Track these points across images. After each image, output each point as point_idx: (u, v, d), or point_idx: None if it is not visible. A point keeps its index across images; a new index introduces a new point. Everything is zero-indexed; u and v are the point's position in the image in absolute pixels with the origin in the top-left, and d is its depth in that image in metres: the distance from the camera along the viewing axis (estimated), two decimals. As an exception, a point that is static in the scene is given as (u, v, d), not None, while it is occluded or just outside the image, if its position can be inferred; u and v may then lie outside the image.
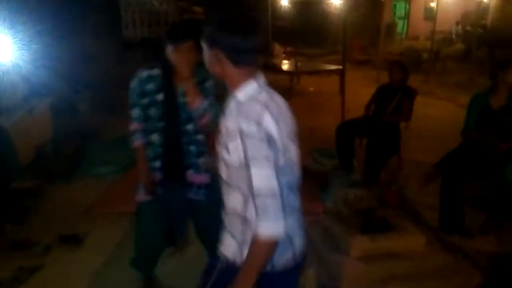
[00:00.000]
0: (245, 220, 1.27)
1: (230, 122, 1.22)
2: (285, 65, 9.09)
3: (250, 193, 1.19)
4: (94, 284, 2.59)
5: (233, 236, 1.33)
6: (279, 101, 1.33)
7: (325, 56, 13.00)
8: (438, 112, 6.86)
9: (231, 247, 1.34)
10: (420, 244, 2.76)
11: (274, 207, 1.17)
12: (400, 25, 17.46)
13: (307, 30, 15.84)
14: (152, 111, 2.10)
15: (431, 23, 10.65)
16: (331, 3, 10.91)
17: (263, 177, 1.16)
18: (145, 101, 2.10)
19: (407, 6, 15.96)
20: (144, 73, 2.09)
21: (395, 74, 4.02)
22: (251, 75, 1.26)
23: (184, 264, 2.73)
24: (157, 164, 2.16)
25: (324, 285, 2.53)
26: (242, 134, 1.16)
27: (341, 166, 4.16)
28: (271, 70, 9.10)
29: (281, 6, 11.60)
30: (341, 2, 8.92)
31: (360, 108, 4.41)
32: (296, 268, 1.37)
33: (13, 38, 3.41)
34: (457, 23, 15.34)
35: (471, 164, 3.08)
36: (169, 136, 2.13)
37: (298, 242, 1.37)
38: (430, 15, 14.89)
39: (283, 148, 1.24)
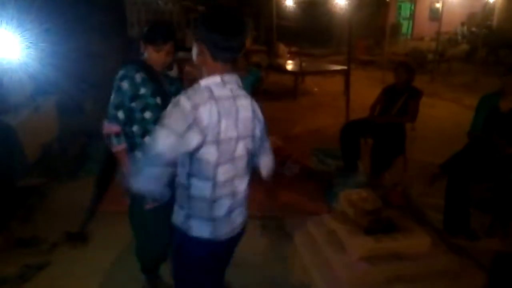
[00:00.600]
0: (189, 194, 1.50)
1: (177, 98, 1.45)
2: (290, 65, 9.10)
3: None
4: (100, 282, 2.60)
5: (181, 208, 1.55)
6: (241, 104, 1.51)
7: (329, 56, 12.99)
8: (443, 113, 6.84)
9: (179, 217, 1.56)
10: (425, 245, 2.75)
11: (145, 165, 1.40)
12: (405, 25, 17.43)
13: (312, 30, 15.83)
14: (148, 114, 2.10)
15: (436, 24, 10.61)
16: (336, 3, 10.89)
17: (158, 138, 1.37)
18: (136, 105, 2.08)
19: (412, 7, 15.93)
20: (138, 77, 2.09)
21: (400, 75, 4.01)
22: (222, 71, 1.48)
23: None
24: None
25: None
26: (173, 104, 1.41)
27: (345, 166, 4.15)
28: (275, 70, 9.11)
29: (286, 6, 11.59)
30: (346, 2, 8.90)
31: (365, 109, 4.40)
32: (226, 242, 1.60)
33: (21, 37, 3.42)
34: (463, 24, 15.31)
35: (477, 166, 3.07)
36: None
37: (227, 220, 1.57)
38: (436, 16, 14.84)
39: (217, 140, 1.42)
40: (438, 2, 14.61)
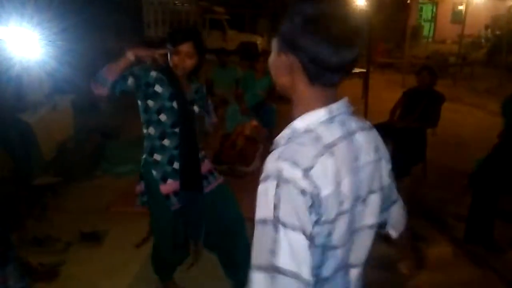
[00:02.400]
0: None
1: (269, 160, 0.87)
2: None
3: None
4: (113, 282, 2.58)
5: None
6: (360, 144, 0.90)
7: (347, 59, 12.84)
8: (466, 119, 6.66)
9: None
10: (446, 255, 2.66)
11: None
12: (426, 28, 17.15)
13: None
14: (164, 117, 2.03)
15: (459, 27, 10.38)
16: (356, 4, 10.75)
17: (292, 246, 0.76)
18: (153, 104, 2.02)
19: (434, 9, 15.65)
20: (153, 73, 2.01)
21: (424, 79, 3.90)
22: (325, 100, 0.89)
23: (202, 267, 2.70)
24: (175, 166, 2.09)
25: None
26: (268, 179, 0.82)
27: (363, 171, 4.05)
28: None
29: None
30: (366, 3, 8.77)
31: (384, 113, 4.30)
32: None
33: (39, 35, 3.45)
34: (487, 27, 14.96)
35: (505, 176, 2.93)
36: (186, 139, 2.08)
37: None
38: (458, 18, 14.55)
39: (338, 213, 0.84)
40: (461, 4, 14.31)
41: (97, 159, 4.33)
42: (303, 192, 0.77)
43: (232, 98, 5.13)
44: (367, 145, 0.92)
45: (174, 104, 2.02)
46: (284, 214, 0.76)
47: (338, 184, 0.82)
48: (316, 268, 0.85)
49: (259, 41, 14.52)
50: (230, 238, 2.23)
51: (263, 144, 4.18)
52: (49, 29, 3.59)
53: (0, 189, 3.23)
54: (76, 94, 4.90)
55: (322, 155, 0.82)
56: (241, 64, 7.65)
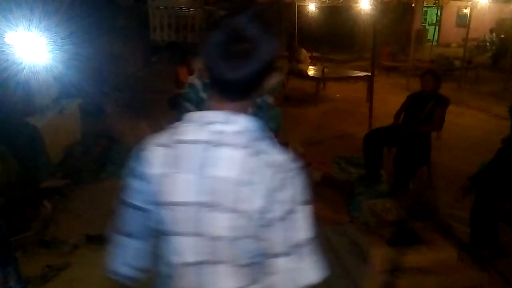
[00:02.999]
0: None
1: None
2: (312, 71, 9.02)
3: None
4: (118, 285, 2.59)
5: None
6: (220, 156, 0.90)
7: (352, 62, 12.85)
8: (470, 122, 6.64)
9: None
10: (451, 259, 2.66)
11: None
12: (431, 31, 17.10)
13: (335, 36, 15.72)
14: None
15: (464, 30, 10.37)
16: (360, 8, 10.77)
17: None
18: (202, 108, 2.09)
19: (439, 12, 15.60)
20: (198, 83, 2.13)
21: (428, 82, 3.91)
22: (215, 106, 0.95)
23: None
24: None
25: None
26: None
27: (368, 175, 4.06)
28: (296, 76, 9.06)
29: (308, 11, 11.54)
30: (370, 7, 8.78)
31: (389, 116, 4.31)
32: None
33: (47, 40, 3.50)
34: (491, 31, 14.91)
35: (507, 179, 2.93)
36: None
37: None
38: (463, 22, 14.53)
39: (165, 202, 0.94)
40: (466, 7, 14.29)
41: (104, 162, 4.37)
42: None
43: None
44: (231, 163, 0.88)
45: None
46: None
47: (160, 175, 0.93)
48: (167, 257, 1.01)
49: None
50: None
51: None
52: (57, 34, 3.64)
53: (7, 193, 3.27)
54: (83, 98, 4.95)
55: (165, 146, 0.94)
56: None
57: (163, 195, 0.93)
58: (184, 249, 0.96)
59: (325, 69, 8.59)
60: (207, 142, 0.90)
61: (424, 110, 3.90)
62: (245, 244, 0.91)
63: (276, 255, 0.88)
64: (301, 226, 0.89)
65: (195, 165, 0.90)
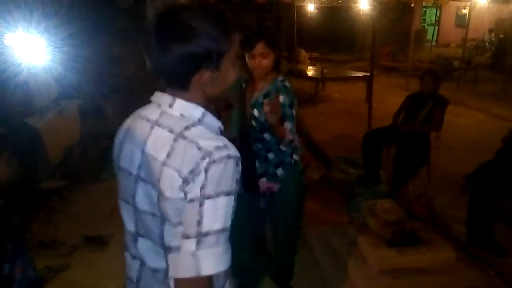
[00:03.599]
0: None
1: None
2: (311, 71, 9.02)
3: None
4: (118, 286, 2.59)
5: None
6: (156, 135, 0.98)
7: (351, 63, 12.86)
8: (469, 122, 6.64)
9: None
10: (450, 259, 2.66)
11: None
12: (430, 31, 17.11)
13: (334, 36, 15.72)
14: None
15: (463, 30, 10.37)
16: (359, 9, 10.77)
17: None
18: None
19: (438, 13, 15.61)
20: None
21: (427, 83, 3.91)
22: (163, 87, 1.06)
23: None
24: None
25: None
26: None
27: (367, 176, 4.06)
28: (296, 76, 9.06)
29: (307, 11, 11.53)
30: (370, 7, 8.78)
31: (388, 117, 4.31)
32: None
33: (46, 41, 3.50)
34: (491, 31, 14.93)
35: (505, 178, 2.94)
36: (243, 145, 2.10)
37: None
38: (462, 22, 14.55)
39: (117, 165, 1.10)
40: (465, 8, 14.30)
41: (103, 163, 4.37)
42: None
43: (236, 102, 5.14)
44: (162, 141, 0.95)
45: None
46: None
47: (120, 142, 1.07)
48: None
49: (263, 45, 14.57)
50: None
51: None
52: (56, 35, 3.64)
53: (6, 194, 3.27)
54: (83, 99, 4.95)
55: (131, 119, 1.09)
56: (246, 68, 7.68)
57: (117, 160, 1.07)
58: (126, 217, 1.06)
59: (324, 70, 8.60)
60: (154, 122, 0.99)
61: (423, 110, 3.91)
62: (161, 222, 0.95)
63: (185, 237, 0.88)
64: (211, 215, 0.88)
65: (141, 140, 0.99)
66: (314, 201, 3.64)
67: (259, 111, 2.08)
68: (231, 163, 0.90)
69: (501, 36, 13.65)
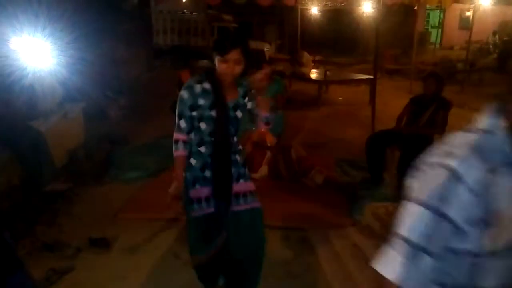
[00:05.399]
0: None
1: None
2: (314, 74, 9.04)
3: None
4: (122, 288, 2.61)
5: None
6: None
7: (355, 65, 12.85)
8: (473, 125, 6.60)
9: None
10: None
11: None
12: (433, 34, 17.08)
13: (337, 39, 15.73)
14: (203, 125, 2.07)
15: (467, 33, 10.34)
16: (362, 11, 10.78)
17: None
18: (195, 114, 2.07)
19: (442, 15, 15.60)
20: (197, 87, 2.05)
21: (430, 85, 3.90)
22: None
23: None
24: (207, 173, 2.13)
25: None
26: None
27: (371, 178, 4.05)
28: (299, 79, 9.07)
29: (310, 14, 11.56)
30: (373, 10, 8.79)
31: (391, 119, 4.30)
32: None
33: (51, 45, 3.53)
34: (494, 33, 14.89)
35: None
36: (218, 148, 2.11)
37: None
38: (466, 24, 14.50)
39: None
40: (468, 10, 14.26)
41: (107, 165, 4.39)
42: None
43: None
44: None
45: (213, 113, 2.06)
46: None
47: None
48: None
49: (267, 48, 14.61)
50: (242, 267, 2.24)
51: (271, 151, 4.20)
52: (61, 39, 3.67)
53: (11, 196, 3.29)
54: (87, 102, 4.97)
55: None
56: (248, 71, 7.69)
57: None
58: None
59: (328, 72, 8.60)
60: None
61: (426, 113, 3.90)
62: None
63: None
64: None
65: None
66: (318, 204, 3.64)
67: (242, 112, 2.15)
68: None
69: (506, 38, 13.61)
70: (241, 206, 2.18)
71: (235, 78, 2.07)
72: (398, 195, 3.55)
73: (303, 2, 9.66)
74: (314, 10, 11.07)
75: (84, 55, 4.66)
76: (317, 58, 12.15)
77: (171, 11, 14.49)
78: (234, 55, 1.97)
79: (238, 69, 2.02)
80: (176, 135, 2.10)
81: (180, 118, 2.08)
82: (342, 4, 9.73)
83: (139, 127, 5.97)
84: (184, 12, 14.91)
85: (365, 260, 2.66)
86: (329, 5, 9.92)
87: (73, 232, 3.17)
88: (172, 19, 14.62)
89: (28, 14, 3.44)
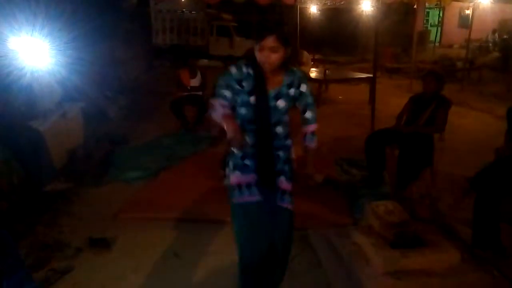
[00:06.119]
0: None
1: None
2: (314, 73, 9.03)
3: None
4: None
5: None
6: None
7: (354, 64, 12.85)
8: (473, 123, 6.62)
9: None
10: (454, 261, 2.65)
11: None
12: (433, 32, 17.08)
13: (337, 38, 15.72)
14: (243, 111, 2.04)
15: (466, 31, 10.34)
16: (362, 10, 10.76)
17: None
18: (238, 98, 2.03)
19: (441, 13, 15.59)
20: (244, 69, 2.02)
21: (429, 84, 3.90)
22: None
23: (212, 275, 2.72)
24: (248, 162, 2.07)
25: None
26: None
27: (370, 177, 4.05)
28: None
29: (310, 13, 11.55)
30: (372, 9, 8.78)
31: (391, 118, 4.30)
32: None
33: (50, 44, 3.52)
34: (494, 31, 14.89)
35: (507, 179, 2.92)
36: (261, 138, 2.07)
37: None
38: (465, 23, 14.50)
39: None
40: (468, 8, 14.25)
41: (107, 165, 4.38)
42: None
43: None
44: None
45: (252, 99, 2.01)
46: None
47: None
48: None
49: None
50: (269, 263, 2.21)
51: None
52: (60, 39, 3.66)
53: (11, 197, 3.28)
54: (86, 102, 4.97)
55: None
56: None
57: None
58: None
59: (327, 71, 8.59)
60: None
61: (426, 111, 3.89)
62: None
63: None
64: None
65: None
66: (317, 203, 3.63)
67: (286, 101, 2.08)
68: None
69: (505, 36, 13.60)
70: (283, 203, 2.16)
71: (276, 66, 2.00)
72: (398, 194, 3.55)
73: (302, 1, 9.63)
74: (313, 9, 11.05)
75: (83, 54, 4.65)
76: (317, 57, 12.16)
77: (170, 10, 14.48)
78: (269, 42, 1.92)
79: (274, 57, 1.95)
80: (212, 102, 1.97)
81: (226, 88, 1.99)
82: (342, 2, 9.71)
83: (139, 127, 5.96)
84: (183, 11, 14.89)
85: (365, 259, 2.66)
86: (328, 4, 9.90)
87: (73, 232, 3.16)
88: (171, 18, 14.61)
89: (26, 14, 3.44)
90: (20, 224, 3.10)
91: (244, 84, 2.01)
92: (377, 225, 2.77)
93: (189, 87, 5.87)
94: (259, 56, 1.97)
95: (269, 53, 1.94)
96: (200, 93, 5.94)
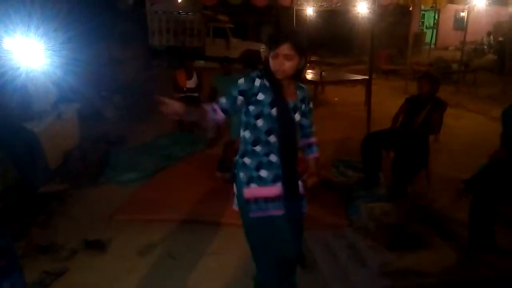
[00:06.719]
0: None
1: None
2: (310, 75, 9.04)
3: None
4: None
5: None
6: None
7: (350, 66, 12.89)
8: (468, 125, 6.64)
9: None
10: (451, 262, 2.66)
11: None
12: (428, 35, 17.16)
13: (333, 39, 15.76)
14: (260, 123, 1.96)
15: (461, 33, 10.38)
16: (357, 12, 10.80)
17: None
18: (252, 109, 1.96)
19: (436, 16, 15.66)
20: (258, 81, 1.95)
21: (424, 86, 3.91)
22: None
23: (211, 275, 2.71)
24: (263, 173, 2.00)
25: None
26: None
27: (366, 179, 4.05)
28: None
29: (306, 15, 11.57)
30: (368, 11, 8.80)
31: (387, 120, 4.31)
32: None
33: (45, 45, 3.51)
34: (489, 34, 15.00)
35: (503, 182, 2.93)
36: (285, 150, 2.03)
37: None
38: (460, 25, 14.59)
39: None
40: (463, 11, 14.34)
41: (102, 167, 4.36)
42: None
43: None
44: None
45: (274, 111, 1.94)
46: None
47: None
48: None
49: (262, 48, 14.62)
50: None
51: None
52: (55, 39, 3.65)
53: (5, 198, 3.26)
54: (82, 103, 4.94)
55: None
56: (244, 72, 7.69)
57: None
58: None
59: (323, 73, 8.61)
60: None
61: (421, 113, 3.90)
62: None
63: None
64: None
65: None
66: (314, 204, 3.62)
67: (301, 115, 2.08)
68: None
69: (500, 38, 13.69)
70: (304, 209, 2.17)
71: (289, 77, 1.97)
72: (394, 195, 3.57)
73: (298, 3, 9.64)
74: (309, 11, 11.07)
75: (78, 55, 4.63)
76: (313, 58, 12.18)
77: (166, 12, 14.46)
78: (284, 49, 1.87)
79: (288, 65, 1.90)
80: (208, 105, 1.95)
81: (223, 95, 1.97)
82: (338, 4, 9.73)
83: (136, 128, 5.94)
84: (179, 13, 14.88)
85: (361, 260, 2.66)
86: (325, 6, 9.91)
87: (68, 234, 3.14)
88: (167, 20, 14.59)
89: (21, 14, 3.42)
90: (15, 225, 3.08)
91: (261, 96, 1.94)
92: (373, 227, 2.78)
93: (185, 89, 5.86)
94: (272, 63, 1.92)
95: (283, 61, 1.90)
96: (196, 94, 5.93)
